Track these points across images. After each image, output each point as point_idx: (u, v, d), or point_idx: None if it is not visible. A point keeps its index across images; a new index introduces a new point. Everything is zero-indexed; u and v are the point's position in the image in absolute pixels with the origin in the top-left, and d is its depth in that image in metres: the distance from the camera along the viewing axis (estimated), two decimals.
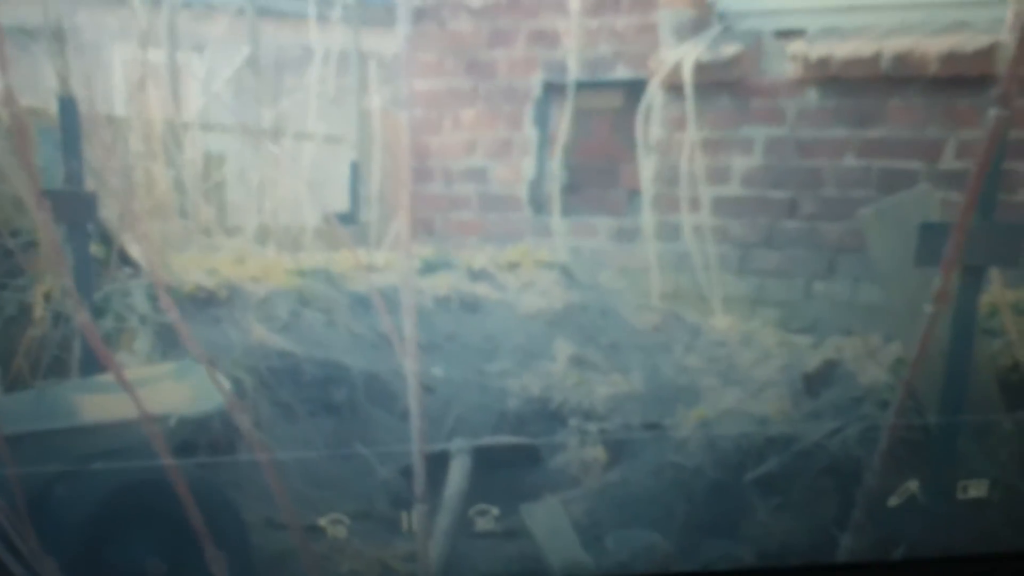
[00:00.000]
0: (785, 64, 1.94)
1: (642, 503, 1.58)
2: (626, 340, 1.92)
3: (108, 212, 1.63)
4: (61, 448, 1.40)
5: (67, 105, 1.54)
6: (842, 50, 1.87)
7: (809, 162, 1.93)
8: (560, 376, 1.83)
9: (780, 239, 1.96)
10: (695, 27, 2.00)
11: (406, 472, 1.51)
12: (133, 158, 1.76)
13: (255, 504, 1.48)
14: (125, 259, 1.69)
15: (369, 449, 1.62)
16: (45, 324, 1.57)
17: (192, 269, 1.78)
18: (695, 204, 1.97)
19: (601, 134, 2.04)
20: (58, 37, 1.52)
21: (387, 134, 1.89)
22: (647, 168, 1.99)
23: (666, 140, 1.99)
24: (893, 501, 1.44)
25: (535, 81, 2.04)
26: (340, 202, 1.94)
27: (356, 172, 1.94)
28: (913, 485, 1.44)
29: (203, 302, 1.74)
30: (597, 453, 1.68)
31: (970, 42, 1.77)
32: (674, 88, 1.97)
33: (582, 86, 2.02)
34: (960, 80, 1.79)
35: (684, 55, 1.96)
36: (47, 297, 1.58)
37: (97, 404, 1.48)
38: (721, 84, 1.97)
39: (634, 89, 2.00)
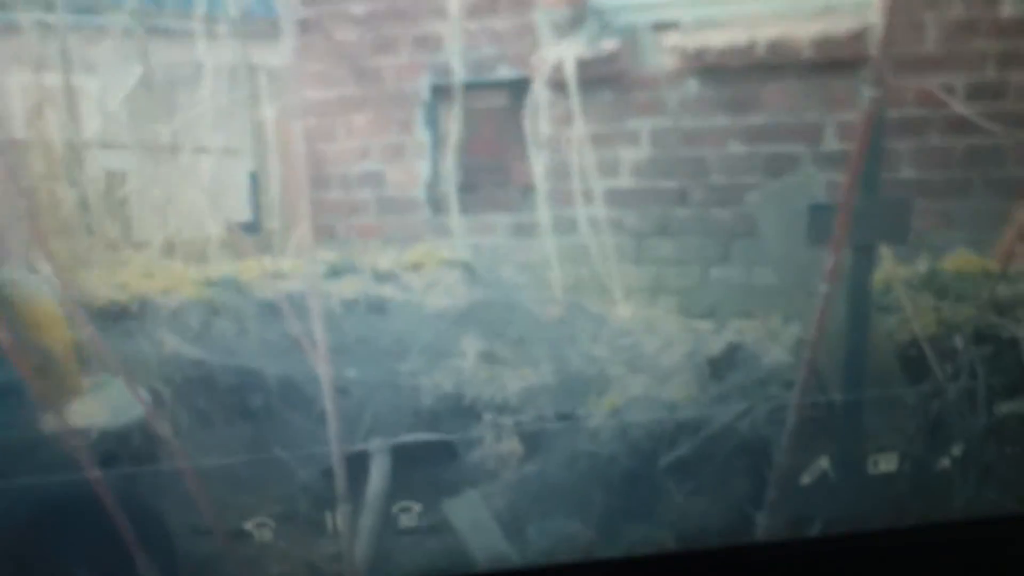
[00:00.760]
0: (663, 56, 1.97)
1: (560, 493, 1.61)
2: (533, 333, 1.94)
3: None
4: None
5: None
6: (717, 40, 1.92)
7: (695, 151, 1.97)
8: (471, 372, 1.84)
9: (673, 227, 2.00)
10: (572, 24, 2.02)
11: (327, 474, 1.52)
12: (36, 180, 1.73)
13: (179, 512, 1.48)
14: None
15: (289, 452, 1.62)
16: None
17: (102, 285, 1.75)
18: (588, 197, 1.99)
19: (491, 133, 2.06)
20: None
21: (283, 144, 1.88)
22: (538, 164, 2.01)
23: (555, 136, 2.01)
24: (805, 479, 1.49)
25: (422, 85, 2.05)
26: (242, 212, 1.93)
27: (255, 182, 1.93)
28: (824, 462, 1.49)
29: (116, 316, 1.72)
30: (513, 446, 1.70)
31: (841, 25, 1.84)
32: (558, 85, 1.99)
33: (469, 87, 2.02)
34: (834, 63, 1.85)
35: (564, 52, 1.99)
36: None
37: None
38: (603, 79, 2.00)
39: (519, 88, 2.02)
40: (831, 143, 1.87)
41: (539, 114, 2.01)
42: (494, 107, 2.06)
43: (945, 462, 1.53)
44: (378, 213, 2.11)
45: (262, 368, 1.76)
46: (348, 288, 1.97)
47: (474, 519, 1.57)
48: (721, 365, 1.76)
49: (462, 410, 1.80)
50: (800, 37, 1.86)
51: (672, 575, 1.47)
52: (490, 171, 2.08)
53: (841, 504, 1.49)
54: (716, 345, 1.80)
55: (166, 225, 1.89)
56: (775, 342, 1.76)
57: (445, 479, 1.65)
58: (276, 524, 1.47)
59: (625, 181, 2.01)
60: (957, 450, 1.53)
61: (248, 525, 1.45)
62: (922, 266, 1.77)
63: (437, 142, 2.07)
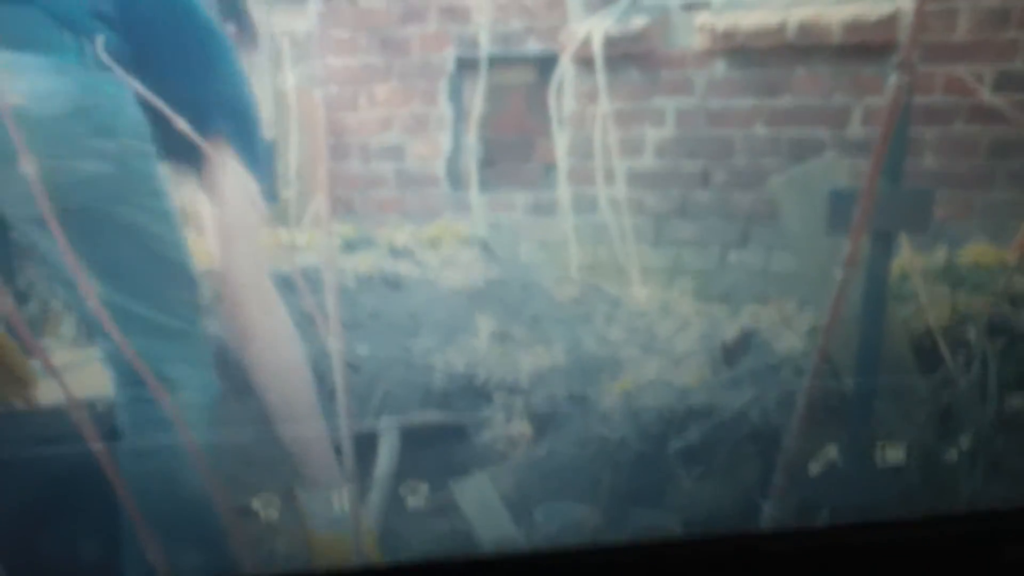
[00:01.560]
0: (693, 36, 1.96)
1: (569, 476, 1.60)
2: (547, 313, 1.93)
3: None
4: None
5: None
6: (748, 21, 1.90)
7: (720, 132, 1.95)
8: (484, 351, 1.83)
9: (694, 209, 1.99)
10: (603, 0, 2.01)
11: (335, 451, 1.52)
12: None
13: (186, 486, 1.48)
14: None
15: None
16: None
17: None
18: (610, 176, 1.98)
19: (515, 108, 2.04)
20: None
21: (303, 112, 1.87)
22: (561, 141, 2.00)
23: (579, 113, 2.00)
24: (813, 467, 1.48)
25: (448, 57, 2.03)
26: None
27: (273, 149, 1.92)
28: (832, 451, 1.47)
29: None
30: (523, 427, 1.70)
31: (872, 10, 1.81)
32: (585, 61, 1.98)
33: (495, 61, 2.01)
34: (864, 48, 1.83)
35: (593, 28, 1.97)
36: None
37: None
38: (631, 57, 1.98)
39: (546, 63, 2.01)
40: (856, 129, 1.85)
41: (564, 90, 2.00)
42: (520, 82, 2.04)
43: (954, 453, 1.51)
44: (398, 187, 2.11)
45: None
46: (363, 263, 1.97)
47: (482, 501, 1.56)
48: (734, 350, 1.75)
49: (473, 390, 1.79)
50: (831, 20, 1.84)
51: (678, 562, 1.45)
52: (512, 147, 2.07)
53: (848, 493, 1.47)
54: (730, 330, 1.79)
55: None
56: (789, 328, 1.74)
57: (454, 460, 1.64)
58: (282, 501, 1.46)
59: (648, 161, 1.99)
60: (966, 441, 1.51)
61: (255, 502, 1.45)
62: (940, 256, 1.75)
63: (460, 116, 2.05)
